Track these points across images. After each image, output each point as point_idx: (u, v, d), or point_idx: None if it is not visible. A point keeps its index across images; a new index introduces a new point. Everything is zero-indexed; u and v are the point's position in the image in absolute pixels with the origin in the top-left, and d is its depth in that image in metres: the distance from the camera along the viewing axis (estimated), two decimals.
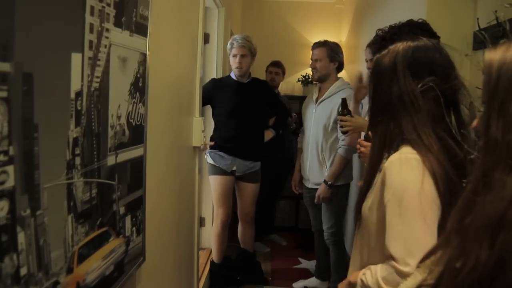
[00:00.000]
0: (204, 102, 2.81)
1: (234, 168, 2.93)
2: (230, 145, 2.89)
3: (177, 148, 1.92)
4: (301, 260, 3.68)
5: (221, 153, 2.90)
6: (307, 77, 4.76)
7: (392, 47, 1.11)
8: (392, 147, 1.08)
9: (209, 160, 2.95)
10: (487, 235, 0.55)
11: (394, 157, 1.05)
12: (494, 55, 0.62)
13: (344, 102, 2.26)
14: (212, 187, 2.97)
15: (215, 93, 2.88)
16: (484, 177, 0.60)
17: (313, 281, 3.14)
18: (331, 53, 2.74)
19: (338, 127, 2.46)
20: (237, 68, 2.88)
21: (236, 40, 2.87)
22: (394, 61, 1.07)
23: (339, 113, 2.29)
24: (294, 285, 3.19)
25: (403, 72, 1.05)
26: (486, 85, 0.62)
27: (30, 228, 0.70)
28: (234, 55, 2.86)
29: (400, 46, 1.10)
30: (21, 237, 0.67)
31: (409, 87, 1.04)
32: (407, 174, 1.01)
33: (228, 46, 2.89)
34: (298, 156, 3.08)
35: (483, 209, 0.58)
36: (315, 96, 2.87)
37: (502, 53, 0.61)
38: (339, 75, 2.86)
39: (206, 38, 3.09)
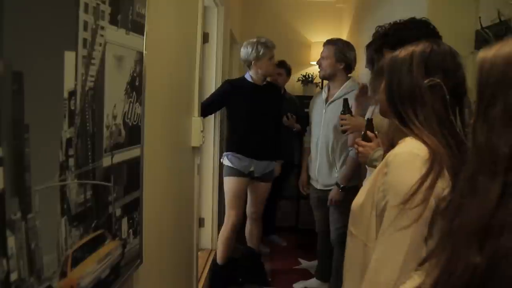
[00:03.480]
0: (222, 103, 2.94)
1: (252, 169, 2.95)
2: (247, 147, 2.92)
3: (176, 148, 1.90)
4: (301, 260, 3.66)
5: (239, 155, 2.92)
6: (307, 76, 4.74)
7: (409, 45, 1.10)
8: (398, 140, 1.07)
9: (226, 162, 2.96)
10: (475, 241, 0.55)
11: (399, 149, 1.02)
12: (487, 54, 0.60)
13: (346, 102, 2.26)
14: (226, 188, 2.98)
15: (233, 95, 2.91)
16: (470, 180, 0.60)
17: (313, 282, 3.12)
18: (338, 53, 2.71)
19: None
20: (273, 70, 3.03)
21: (271, 43, 2.92)
22: (411, 55, 1.07)
23: (340, 113, 2.29)
24: (294, 285, 3.17)
25: (418, 66, 1.05)
26: (477, 86, 0.61)
27: (20, 232, 0.67)
28: (271, 58, 2.91)
29: (419, 44, 1.09)
30: (11, 242, 0.65)
31: (420, 80, 1.04)
32: (410, 174, 0.97)
33: (260, 49, 2.88)
34: (305, 156, 3.06)
35: (469, 213, 0.57)
36: (324, 95, 2.83)
37: (494, 53, 0.59)
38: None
39: (206, 37, 3.07)
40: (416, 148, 1.00)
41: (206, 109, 2.84)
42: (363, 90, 2.37)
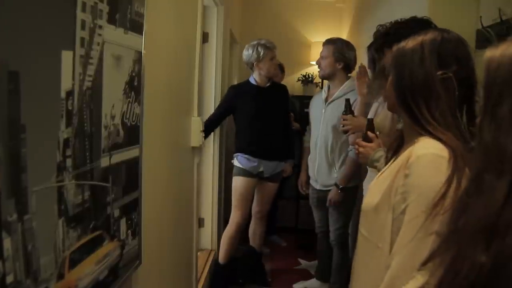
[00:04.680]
0: (228, 111, 2.99)
1: (261, 170, 2.98)
2: (255, 148, 2.96)
3: (175, 148, 1.89)
4: (301, 261, 3.66)
5: (247, 156, 2.96)
6: (307, 76, 4.73)
7: (416, 35, 1.04)
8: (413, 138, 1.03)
9: (236, 163, 3.02)
10: (482, 240, 0.55)
11: (419, 151, 0.98)
12: (494, 53, 0.60)
13: (347, 102, 2.25)
14: (233, 188, 3.02)
15: (237, 100, 2.97)
16: (476, 179, 0.60)
17: (313, 282, 3.11)
18: (337, 52, 2.70)
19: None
20: (275, 70, 3.06)
21: (271, 44, 2.95)
22: (421, 44, 1.01)
23: (342, 113, 2.27)
24: (294, 286, 3.16)
25: (430, 54, 0.99)
26: (484, 85, 0.60)
27: (17, 234, 0.66)
28: (272, 58, 2.95)
29: (427, 33, 1.03)
30: (7, 243, 0.64)
31: (433, 71, 0.99)
32: (436, 178, 0.92)
33: (260, 50, 2.91)
34: (305, 156, 3.05)
35: (475, 213, 0.57)
36: (324, 95, 2.83)
37: (501, 52, 0.59)
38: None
39: (205, 37, 3.06)
40: (436, 148, 0.96)
41: (215, 120, 2.93)
42: (362, 69, 2.35)
